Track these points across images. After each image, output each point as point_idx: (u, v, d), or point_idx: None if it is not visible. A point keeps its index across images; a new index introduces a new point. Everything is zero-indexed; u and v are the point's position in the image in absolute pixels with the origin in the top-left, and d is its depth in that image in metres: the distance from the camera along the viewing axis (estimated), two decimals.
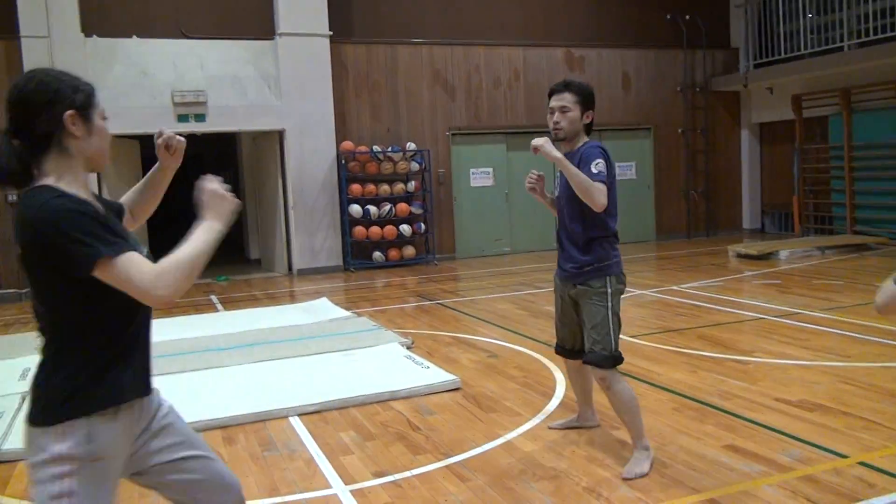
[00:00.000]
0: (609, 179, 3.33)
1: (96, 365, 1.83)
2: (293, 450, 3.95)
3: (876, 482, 3.18)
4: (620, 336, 3.51)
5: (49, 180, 1.83)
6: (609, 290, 3.45)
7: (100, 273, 1.72)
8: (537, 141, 3.38)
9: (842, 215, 12.58)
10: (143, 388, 1.95)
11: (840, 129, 12.40)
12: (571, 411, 4.31)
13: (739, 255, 10.92)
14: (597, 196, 3.26)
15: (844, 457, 3.48)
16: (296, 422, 4.39)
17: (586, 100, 3.45)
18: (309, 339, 6.44)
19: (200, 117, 10.65)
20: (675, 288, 8.57)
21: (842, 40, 11.92)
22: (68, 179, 1.85)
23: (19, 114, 1.85)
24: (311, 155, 11.31)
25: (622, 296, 3.56)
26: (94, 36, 10.26)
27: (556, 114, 3.45)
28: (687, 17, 13.91)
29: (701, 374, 4.99)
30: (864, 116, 12.09)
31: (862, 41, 11.63)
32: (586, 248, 3.46)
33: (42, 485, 1.78)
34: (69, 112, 1.86)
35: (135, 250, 1.77)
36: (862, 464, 3.39)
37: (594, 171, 3.28)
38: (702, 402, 4.37)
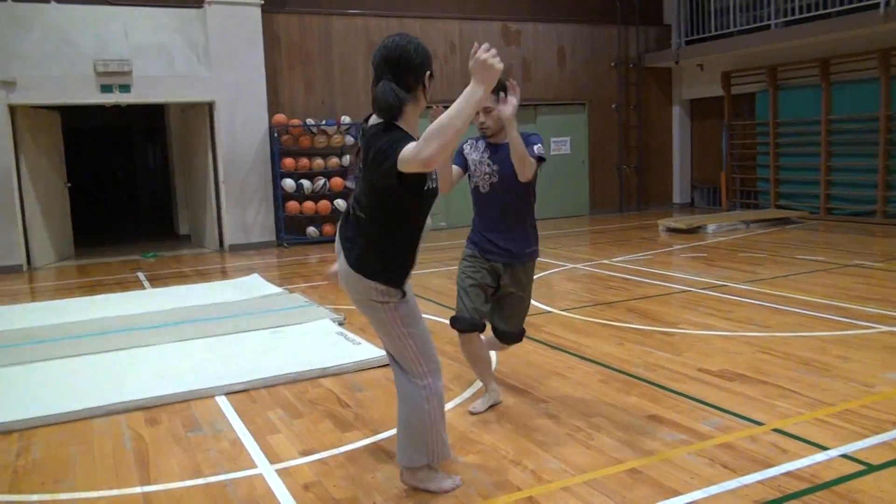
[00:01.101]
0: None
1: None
2: (218, 430, 3.88)
3: (788, 448, 3.30)
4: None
5: (401, 122, 2.71)
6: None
7: (399, 166, 2.53)
8: (503, 109, 3.60)
9: (766, 190, 12.97)
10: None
11: (766, 106, 12.74)
12: (502, 386, 4.34)
13: (669, 229, 11.17)
14: (528, 168, 3.57)
15: (760, 424, 3.60)
16: (222, 401, 4.31)
17: (500, 89, 3.66)
18: (238, 316, 6.32)
19: (125, 88, 10.25)
20: (606, 262, 8.71)
21: (769, 18, 12.20)
22: (410, 122, 2.73)
23: (400, 67, 2.72)
24: (243, 127, 11.04)
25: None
26: (10, 0, 9.75)
27: (481, 115, 3.68)
28: None
29: (628, 346, 5.09)
30: (790, 94, 12.43)
31: (788, 20, 11.92)
32: (533, 231, 3.87)
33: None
34: (428, 73, 2.79)
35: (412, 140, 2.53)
36: (776, 430, 3.51)
37: (535, 151, 3.63)
38: (628, 374, 4.46)
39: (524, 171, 3.55)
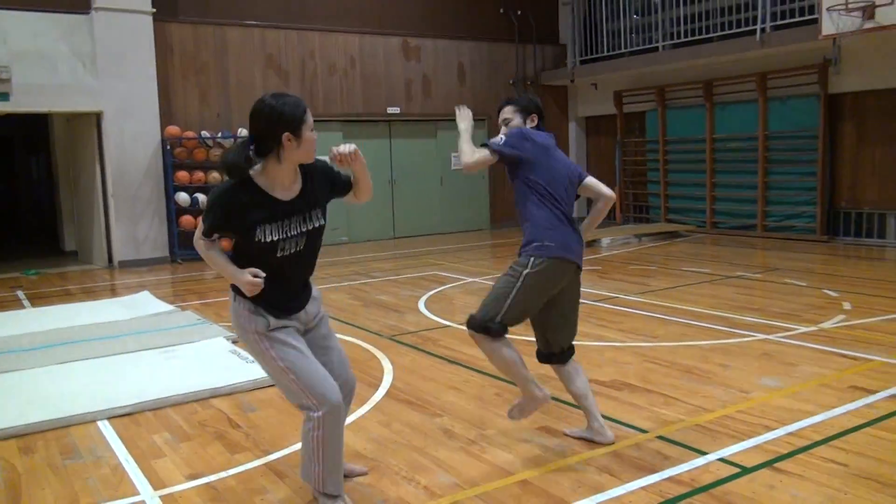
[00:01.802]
0: (511, 151, 3.45)
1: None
2: (99, 456, 3.69)
3: (670, 454, 3.43)
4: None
5: (260, 177, 2.78)
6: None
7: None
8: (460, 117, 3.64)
9: (657, 205, 13.53)
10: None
11: (656, 125, 13.31)
12: (398, 401, 4.34)
13: None
14: (462, 156, 3.48)
15: (645, 432, 3.72)
16: (104, 426, 4.11)
17: (526, 108, 3.66)
18: (125, 336, 6.05)
19: (3, 96, 9.71)
20: None
21: (658, 41, 12.77)
22: (274, 175, 2.80)
23: (256, 129, 2.75)
24: (133, 139, 10.64)
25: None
26: None
27: (502, 126, 3.68)
28: (518, 12, 14.36)
29: (524, 358, 5.15)
30: (677, 113, 13.03)
31: (675, 43, 12.52)
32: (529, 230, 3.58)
33: None
34: (287, 134, 2.73)
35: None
36: (660, 437, 3.64)
37: (487, 139, 3.54)
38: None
39: (458, 159, 3.55)
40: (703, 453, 3.41)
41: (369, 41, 12.86)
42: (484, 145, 3.48)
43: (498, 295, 3.41)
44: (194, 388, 4.58)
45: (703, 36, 11.97)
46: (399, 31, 13.19)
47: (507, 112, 3.68)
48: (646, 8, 13.33)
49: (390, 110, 13.13)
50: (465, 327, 3.49)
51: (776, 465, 3.27)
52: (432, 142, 13.77)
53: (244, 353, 5.37)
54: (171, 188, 10.86)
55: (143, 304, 7.52)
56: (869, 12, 9.04)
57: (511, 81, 14.35)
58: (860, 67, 10.36)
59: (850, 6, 9.12)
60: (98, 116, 10.52)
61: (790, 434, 3.61)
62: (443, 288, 8.05)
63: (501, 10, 14.25)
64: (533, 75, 14.65)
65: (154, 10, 10.64)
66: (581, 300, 3.75)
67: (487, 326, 3.37)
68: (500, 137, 3.53)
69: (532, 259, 3.40)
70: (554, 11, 15.07)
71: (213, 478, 3.38)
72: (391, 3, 13.18)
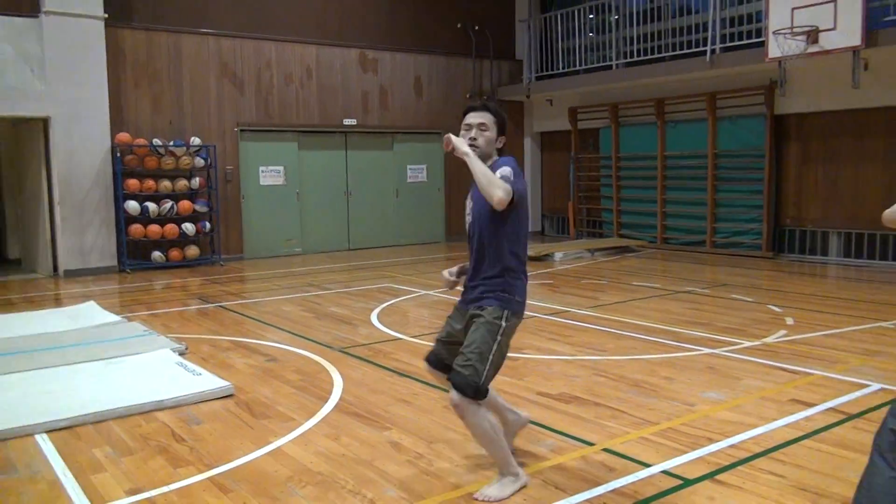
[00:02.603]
0: (522, 190, 3.13)
1: None
2: (35, 471, 3.59)
3: (615, 466, 3.47)
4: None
5: None
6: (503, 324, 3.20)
7: None
8: (454, 138, 3.22)
9: (610, 220, 13.72)
10: None
11: (609, 141, 13.52)
12: (347, 414, 4.31)
13: None
14: (495, 190, 3.01)
15: (591, 444, 3.76)
16: (42, 440, 3.99)
17: (502, 125, 3.31)
18: (69, 347, 5.91)
19: None
20: (459, 288, 8.84)
21: (612, 60, 13.00)
22: None
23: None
24: (82, 146, 10.41)
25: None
26: None
27: (475, 129, 3.26)
28: (476, 27, 14.49)
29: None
30: (630, 130, 13.26)
31: (628, 62, 12.77)
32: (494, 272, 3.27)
33: None
34: None
35: None
36: (606, 450, 3.68)
37: (499, 174, 3.08)
38: None
39: (491, 196, 3.03)
40: (647, 465, 3.46)
41: (327, 52, 12.84)
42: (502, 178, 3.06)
43: (482, 352, 3.12)
44: (138, 401, 4.48)
45: (656, 55, 12.24)
46: (357, 43, 13.18)
47: (487, 119, 3.26)
48: (600, 27, 13.58)
49: (347, 122, 13.11)
50: (451, 392, 3.11)
51: (717, 476, 3.33)
52: (388, 154, 13.77)
53: (191, 366, 5.28)
54: (120, 196, 10.65)
55: (88, 315, 7.35)
56: (813, 37, 9.34)
57: (468, 95, 14.44)
58: (804, 90, 10.69)
59: (794, 31, 9.42)
60: (45, 122, 10.27)
61: (732, 446, 3.69)
62: (396, 300, 8.03)
63: (459, 26, 14.36)
64: (489, 89, 14.77)
65: (106, 15, 10.46)
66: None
67: (482, 391, 3.12)
68: (505, 172, 3.09)
69: (506, 313, 3.19)
70: (511, 28, 15.24)
71: (153, 493, 3.31)
72: (349, 15, 13.18)
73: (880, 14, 9.52)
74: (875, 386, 4.64)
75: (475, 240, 3.30)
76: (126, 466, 3.63)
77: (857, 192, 10.50)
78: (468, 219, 3.37)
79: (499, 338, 3.17)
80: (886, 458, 2.38)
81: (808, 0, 9.37)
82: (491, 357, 3.13)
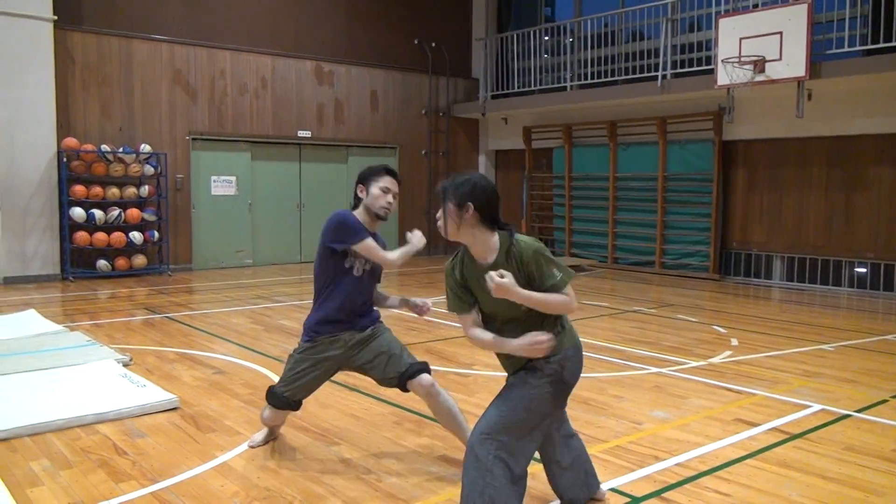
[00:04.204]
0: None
1: None
2: None
3: None
4: None
5: None
6: None
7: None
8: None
9: (562, 239, 13.87)
10: None
11: (563, 161, 13.69)
12: (295, 428, 4.25)
13: None
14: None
15: (539, 461, 3.76)
16: None
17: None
18: (6, 356, 5.70)
19: None
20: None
21: (566, 81, 13.21)
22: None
23: None
24: (25, 150, 10.13)
25: None
26: None
27: (389, 196, 3.76)
28: (433, 44, 14.59)
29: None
30: (583, 151, 13.46)
31: (582, 83, 12.99)
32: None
33: None
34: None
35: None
36: None
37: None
38: (421, 415, 4.52)
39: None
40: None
41: (282, 63, 12.76)
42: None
43: (403, 345, 3.90)
44: (78, 413, 4.35)
45: (609, 79, 12.47)
46: (313, 55, 13.14)
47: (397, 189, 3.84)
48: (555, 48, 13.80)
49: (301, 133, 13.03)
50: (426, 377, 3.75)
51: (664, 494, 3.38)
52: (343, 167, 13.71)
53: (135, 377, 5.15)
54: (65, 202, 10.38)
55: (27, 323, 7.12)
56: (760, 66, 9.64)
57: (423, 111, 14.51)
58: (751, 117, 11.02)
59: (742, 59, 9.71)
60: None
61: (678, 465, 3.74)
62: None
63: (416, 42, 14.44)
64: (445, 106, 14.86)
65: (55, 17, 10.23)
66: None
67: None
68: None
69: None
70: (467, 46, 15.38)
71: None
72: (306, 27, 13.14)
73: (823, 47, 9.89)
74: (816, 406, 4.76)
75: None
76: (65, 480, 3.51)
77: (800, 218, 10.84)
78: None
79: None
80: None
81: (755, 31, 9.68)
82: None
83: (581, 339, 3.03)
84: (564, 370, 2.81)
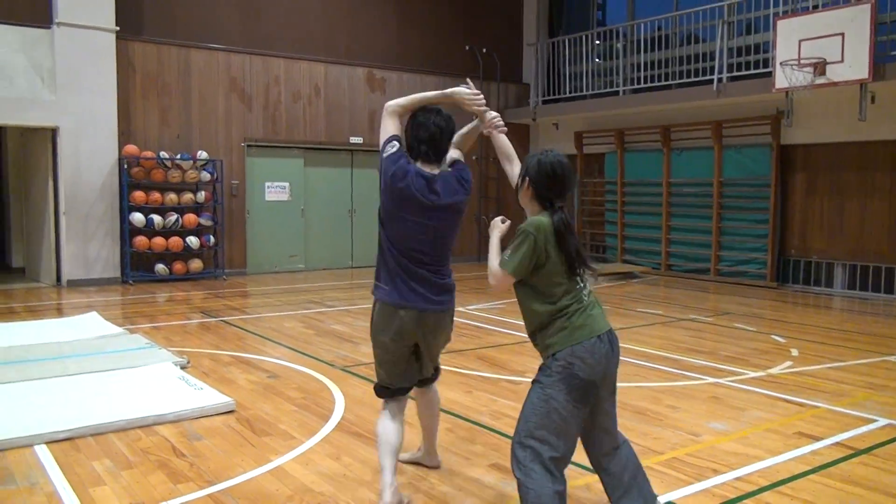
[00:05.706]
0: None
1: None
2: (34, 482, 3.55)
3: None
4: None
5: None
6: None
7: None
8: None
9: (614, 245, 13.71)
10: None
11: (615, 167, 13.54)
12: (349, 434, 4.28)
13: None
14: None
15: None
16: (42, 451, 3.96)
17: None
18: (70, 357, 5.88)
19: None
20: (461, 309, 8.83)
21: (618, 86, 13.07)
22: None
23: None
24: (89, 157, 10.45)
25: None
26: None
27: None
28: (484, 50, 14.59)
29: (476, 394, 5.16)
30: (635, 156, 13.29)
31: (635, 88, 12.83)
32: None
33: None
34: None
35: None
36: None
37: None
38: (473, 422, 4.51)
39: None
40: None
41: (335, 70, 12.91)
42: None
43: None
44: (138, 414, 4.45)
45: (662, 83, 12.29)
46: (365, 62, 13.26)
47: None
48: (607, 53, 13.66)
49: (353, 140, 13.15)
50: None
51: None
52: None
53: (192, 380, 5.25)
54: (126, 208, 10.67)
55: (89, 326, 7.33)
56: (820, 69, 9.38)
57: (474, 117, 14.47)
58: (810, 121, 10.73)
59: (802, 62, 9.47)
60: (54, 132, 10.32)
61: (738, 479, 3.65)
62: None
63: (467, 48, 14.46)
64: (496, 112, 14.79)
65: (118, 28, 10.54)
66: None
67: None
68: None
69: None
70: (519, 51, 15.33)
71: None
72: (358, 34, 13.27)
73: (887, 48, 9.58)
74: (882, 421, 4.60)
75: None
76: (125, 480, 3.59)
77: (863, 225, 10.50)
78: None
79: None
80: None
81: (815, 32, 9.43)
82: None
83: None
84: (574, 366, 2.86)
